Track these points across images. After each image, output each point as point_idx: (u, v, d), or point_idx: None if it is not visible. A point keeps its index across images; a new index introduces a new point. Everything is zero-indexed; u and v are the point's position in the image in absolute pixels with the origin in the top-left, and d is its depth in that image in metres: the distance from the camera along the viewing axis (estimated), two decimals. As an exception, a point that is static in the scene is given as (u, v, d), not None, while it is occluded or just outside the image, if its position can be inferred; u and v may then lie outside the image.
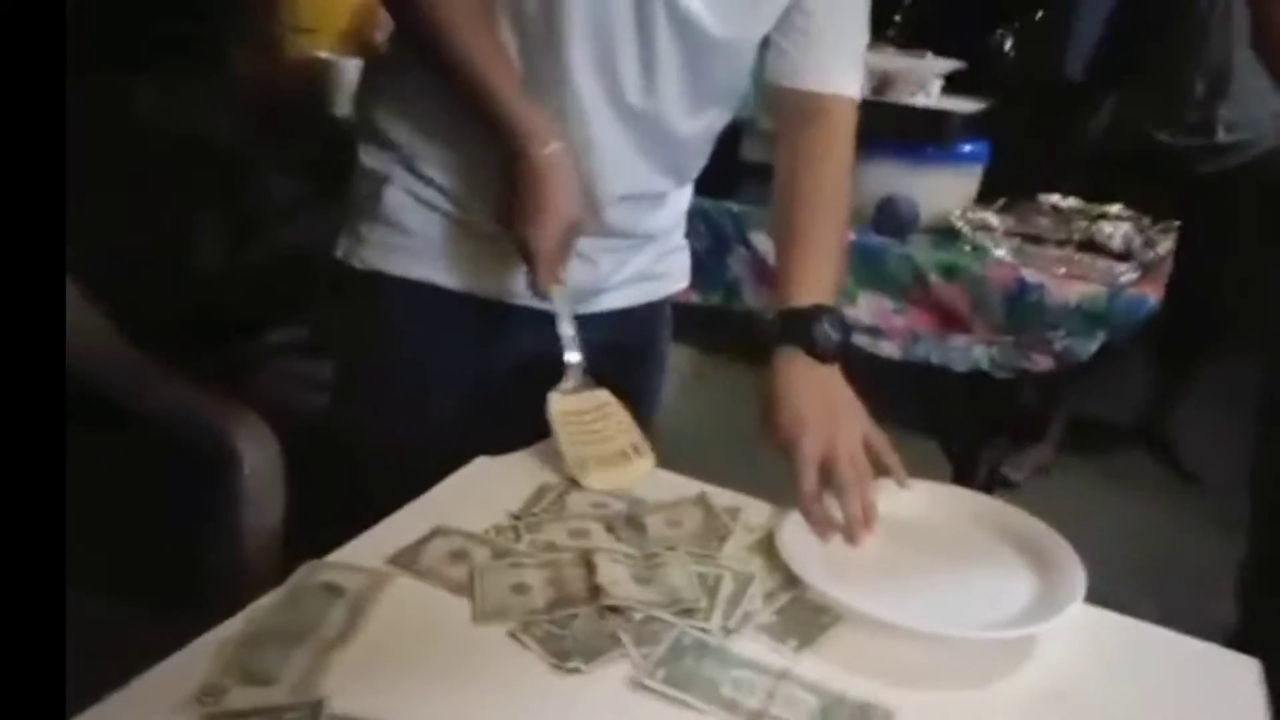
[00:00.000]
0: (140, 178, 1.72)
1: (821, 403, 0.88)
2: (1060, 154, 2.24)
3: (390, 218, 0.99)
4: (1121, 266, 1.54)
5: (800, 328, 0.90)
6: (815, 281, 0.94)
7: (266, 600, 0.69)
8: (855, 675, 0.66)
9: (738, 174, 1.78)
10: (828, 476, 0.84)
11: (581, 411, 0.91)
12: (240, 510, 1.00)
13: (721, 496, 0.87)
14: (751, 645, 0.69)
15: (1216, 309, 2.25)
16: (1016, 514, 0.85)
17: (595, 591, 0.70)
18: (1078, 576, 0.75)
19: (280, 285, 2.09)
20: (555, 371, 0.92)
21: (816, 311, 0.91)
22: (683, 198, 1.10)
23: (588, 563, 0.74)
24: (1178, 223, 1.69)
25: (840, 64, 0.99)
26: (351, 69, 2.11)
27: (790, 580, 0.74)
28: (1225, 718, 0.69)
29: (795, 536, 0.80)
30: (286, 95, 2.18)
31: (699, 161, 1.05)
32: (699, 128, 1.00)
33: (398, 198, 0.99)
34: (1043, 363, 1.54)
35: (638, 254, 1.06)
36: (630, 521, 0.81)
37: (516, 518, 0.81)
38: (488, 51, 0.88)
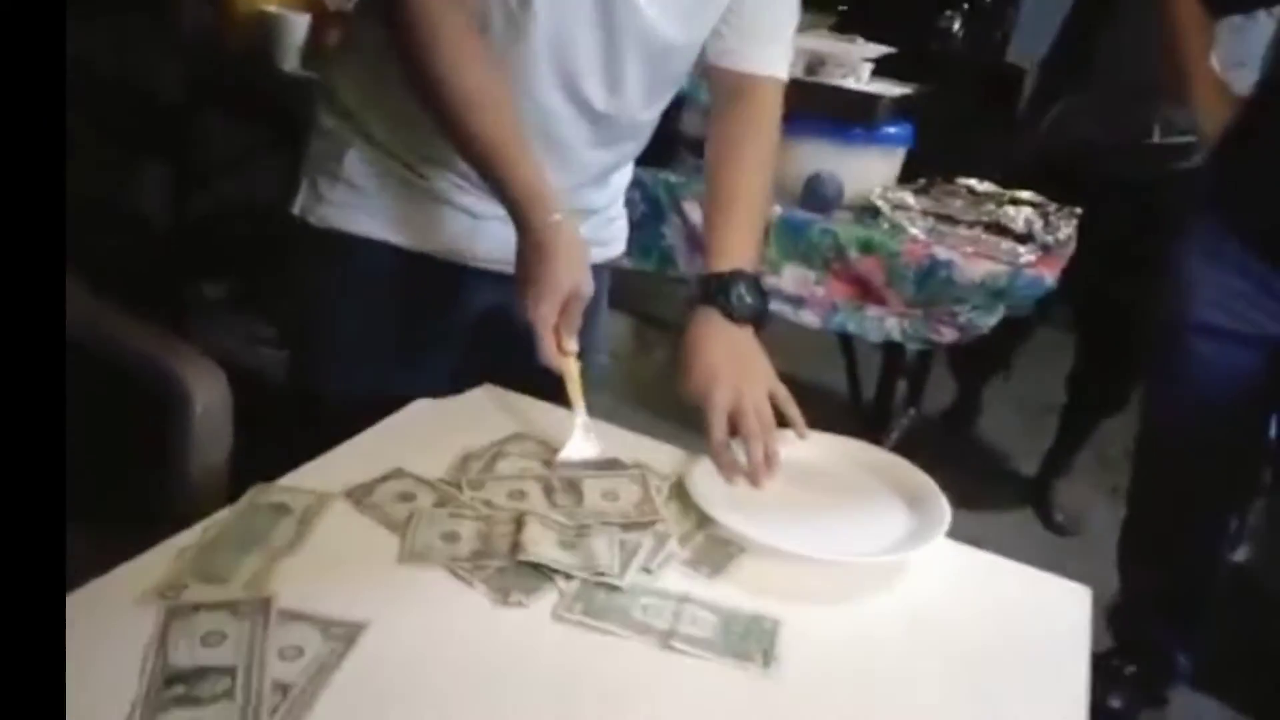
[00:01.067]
0: (88, 126, 1.73)
1: (732, 359, 0.95)
2: (988, 139, 2.27)
3: (350, 179, 1.02)
4: (1022, 248, 1.66)
5: (718, 291, 0.97)
6: (736, 248, 1.00)
7: (221, 515, 0.77)
8: (754, 595, 0.76)
9: (675, 145, 1.85)
10: (735, 426, 0.91)
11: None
12: (191, 448, 1.06)
13: (658, 453, 0.94)
14: (669, 575, 0.77)
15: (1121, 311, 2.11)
16: (897, 461, 0.96)
17: (515, 548, 0.75)
18: (943, 514, 0.85)
19: (225, 236, 2.12)
20: (509, 328, 0.96)
21: (734, 276, 0.98)
22: (625, 174, 1.17)
23: (518, 522, 0.78)
24: (1079, 209, 1.80)
25: (770, 47, 1.05)
26: (299, 24, 2.12)
27: (702, 520, 0.83)
28: (1052, 633, 0.79)
29: (704, 480, 0.88)
30: (234, 48, 2.17)
31: (646, 140, 1.11)
32: (653, 114, 1.06)
33: (355, 160, 1.02)
34: (948, 335, 1.66)
35: (582, 224, 1.11)
36: (570, 486, 0.85)
37: (463, 469, 0.86)
38: (503, 130, 0.90)
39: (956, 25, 3.75)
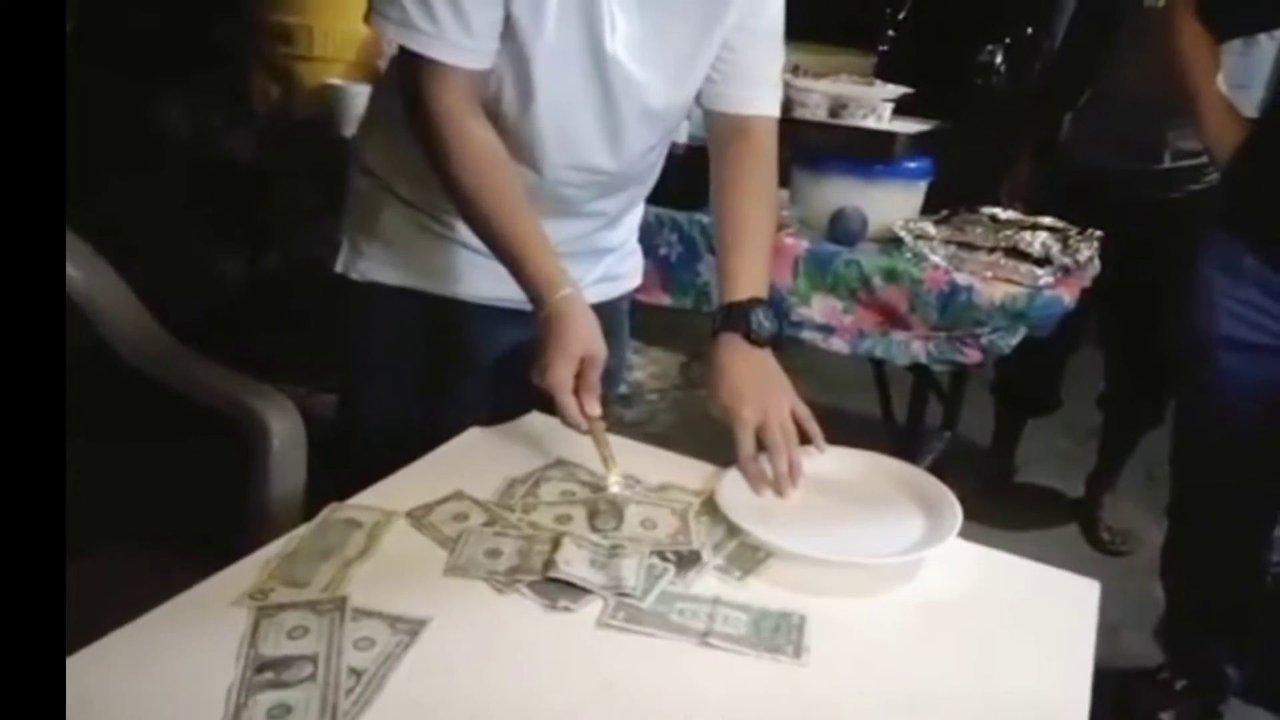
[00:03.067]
0: (171, 191, 1.89)
1: (756, 379, 1.02)
2: (1011, 168, 2.31)
3: (384, 235, 1.11)
4: (1040, 270, 1.71)
5: (738, 317, 1.04)
6: (750, 278, 1.07)
7: (300, 530, 0.87)
8: (782, 595, 0.82)
9: (705, 189, 1.90)
10: (761, 441, 0.98)
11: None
12: (271, 476, 1.17)
13: (687, 470, 1.00)
14: (702, 581, 0.84)
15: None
16: (912, 471, 1.02)
17: (548, 565, 0.81)
18: (955, 518, 0.91)
19: (291, 291, 2.26)
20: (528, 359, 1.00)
21: (752, 303, 1.04)
22: (636, 213, 1.25)
23: (555, 542, 0.85)
24: (1099, 232, 1.85)
25: (760, 89, 1.11)
26: (359, 94, 2.25)
27: (732, 529, 0.90)
28: (1059, 622, 0.85)
29: (733, 492, 0.95)
30: (301, 117, 2.33)
31: (653, 180, 1.19)
32: (656, 158, 1.15)
33: (388, 218, 1.11)
34: (973, 356, 1.71)
35: (600, 262, 1.21)
36: (612, 510, 0.91)
37: (511, 493, 0.93)
38: (518, 226, 0.97)
39: (999, 59, 3.80)
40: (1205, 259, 1.55)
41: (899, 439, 1.91)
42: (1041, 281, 1.70)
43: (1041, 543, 2.20)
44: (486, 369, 1.17)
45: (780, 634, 0.78)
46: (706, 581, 0.85)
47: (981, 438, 2.62)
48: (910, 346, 1.76)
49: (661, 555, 0.86)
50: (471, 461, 1.01)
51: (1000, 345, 1.69)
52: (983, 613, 0.85)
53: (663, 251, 1.97)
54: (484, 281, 1.11)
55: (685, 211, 1.94)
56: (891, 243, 1.86)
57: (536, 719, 0.69)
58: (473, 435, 1.07)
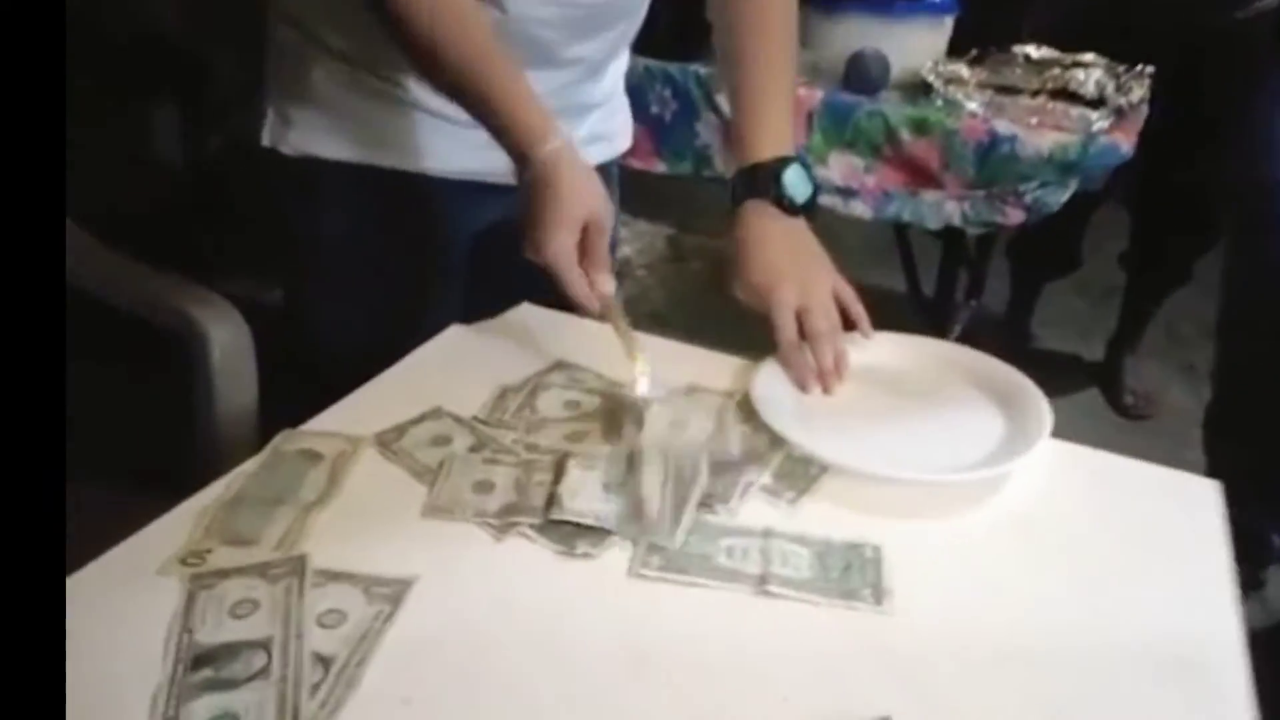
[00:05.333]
0: (96, 74, 1.65)
1: (793, 254, 0.88)
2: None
3: (316, 98, 0.93)
4: (1094, 114, 1.51)
5: (766, 179, 0.89)
6: (775, 133, 0.91)
7: (246, 467, 0.70)
8: (845, 520, 0.68)
9: (702, 34, 1.70)
10: (801, 327, 0.84)
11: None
12: (214, 390, 1.00)
13: (711, 364, 0.85)
14: (748, 507, 0.68)
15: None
16: (979, 357, 0.86)
17: (551, 502, 0.66)
18: (1044, 413, 0.76)
19: (236, 174, 2.04)
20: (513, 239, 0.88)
21: (780, 163, 0.89)
22: (621, 62, 1.06)
23: (558, 466, 0.69)
24: (1150, 68, 1.65)
25: None
26: None
27: (775, 440, 0.74)
28: (1185, 533, 0.70)
29: (772, 392, 0.80)
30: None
31: (638, 22, 1.00)
32: None
33: (320, 75, 0.92)
34: (1015, 216, 1.53)
35: (584, 120, 1.02)
36: (636, 415, 0.75)
37: (503, 406, 0.77)
38: (493, 68, 0.80)
39: None
40: (1262, 93, 1.44)
41: (926, 312, 1.75)
42: (1096, 127, 1.50)
43: (1063, 409, 2.07)
44: (460, 260, 1.01)
45: (853, 573, 0.63)
46: (754, 507, 0.69)
47: (994, 304, 2.48)
48: (943, 207, 1.58)
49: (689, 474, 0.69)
50: (452, 369, 0.84)
51: (1048, 203, 1.51)
52: (1091, 530, 0.70)
53: (654, 110, 1.76)
54: (447, 151, 0.94)
55: (679, 62, 1.73)
56: (919, 90, 1.66)
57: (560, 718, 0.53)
58: (452, 335, 0.90)
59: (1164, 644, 0.60)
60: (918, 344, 0.89)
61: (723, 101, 1.70)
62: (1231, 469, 1.67)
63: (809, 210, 0.90)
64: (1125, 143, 1.51)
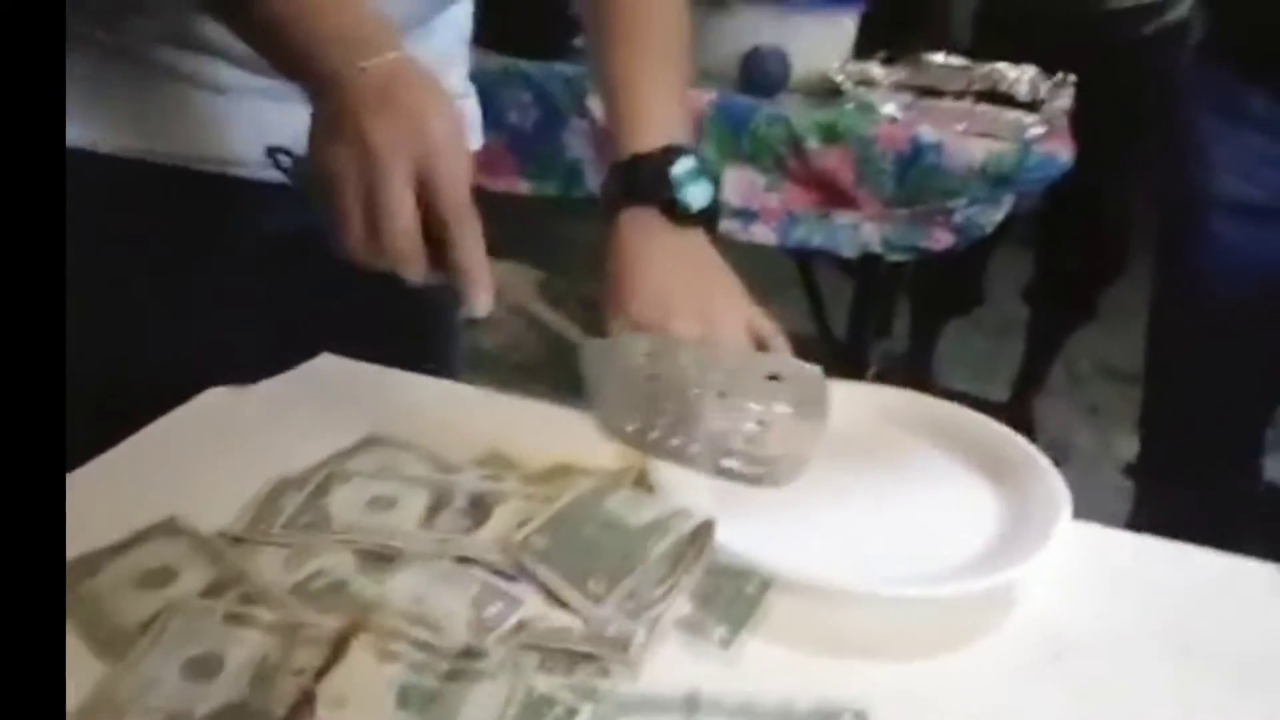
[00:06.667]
0: None
1: (691, 278, 0.67)
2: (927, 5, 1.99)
3: None
4: (1029, 118, 1.33)
5: (651, 177, 0.67)
6: (663, 116, 0.69)
7: None
8: (806, 665, 0.46)
9: (568, 31, 1.51)
10: None
11: None
12: None
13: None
14: (662, 654, 0.45)
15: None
16: (941, 406, 0.65)
17: (300, 707, 0.39)
18: (1053, 486, 0.56)
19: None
20: (301, 254, 0.62)
21: (669, 155, 0.67)
22: (457, 34, 0.83)
23: (340, 638, 0.42)
24: (1073, 76, 1.50)
25: None
26: None
27: (692, 541, 0.50)
28: (1252, 632, 0.50)
29: (678, 472, 0.57)
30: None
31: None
32: None
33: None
34: (943, 239, 1.33)
35: None
36: (474, 505, 0.52)
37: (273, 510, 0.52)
38: None
39: None
40: (1194, 102, 1.30)
41: (838, 357, 1.54)
42: (1030, 134, 1.31)
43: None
44: (248, 287, 0.74)
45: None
46: (667, 656, 0.45)
47: (895, 344, 2.35)
48: (860, 231, 1.36)
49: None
50: (207, 450, 0.58)
51: (980, 224, 1.32)
52: (1142, 658, 0.48)
53: (512, 118, 1.50)
54: (221, 131, 0.71)
55: (539, 61, 1.50)
56: (825, 92, 1.46)
57: None
58: (213, 400, 0.63)
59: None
60: (861, 393, 0.68)
61: (596, 106, 1.45)
62: (1166, 516, 1.57)
63: (709, 219, 0.69)
64: (1064, 152, 1.34)
